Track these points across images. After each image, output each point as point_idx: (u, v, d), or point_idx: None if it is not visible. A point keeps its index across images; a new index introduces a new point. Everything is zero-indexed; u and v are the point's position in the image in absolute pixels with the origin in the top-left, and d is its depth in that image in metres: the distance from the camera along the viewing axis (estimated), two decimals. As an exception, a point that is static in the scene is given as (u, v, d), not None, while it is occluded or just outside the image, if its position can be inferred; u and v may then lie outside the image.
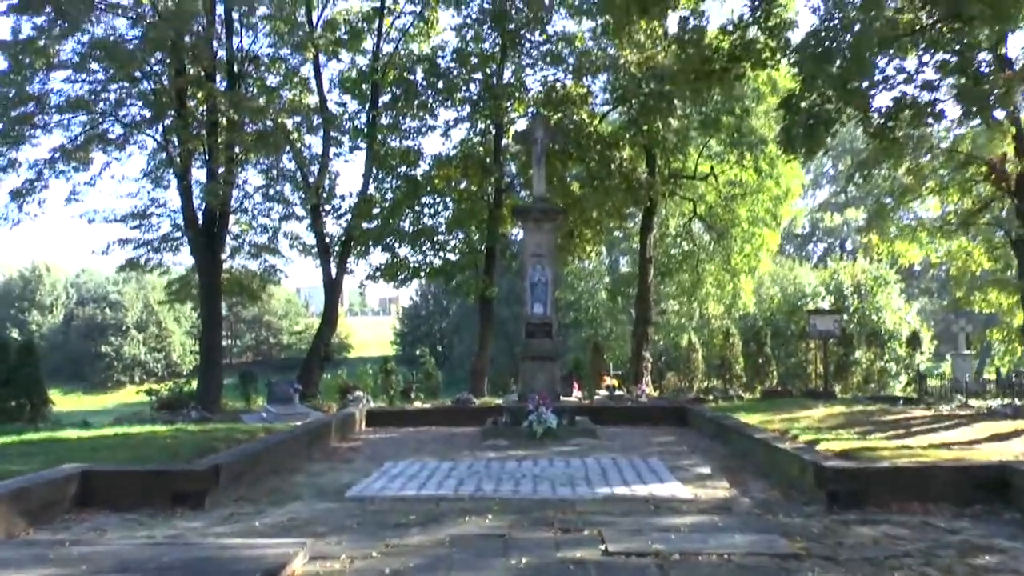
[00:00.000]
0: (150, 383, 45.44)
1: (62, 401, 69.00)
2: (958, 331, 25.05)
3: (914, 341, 27.37)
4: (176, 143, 23.52)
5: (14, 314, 78.52)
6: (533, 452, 12.83)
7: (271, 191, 26.77)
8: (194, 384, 25.05)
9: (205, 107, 23.89)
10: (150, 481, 8.78)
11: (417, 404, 20.88)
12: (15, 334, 75.85)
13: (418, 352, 27.21)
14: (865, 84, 13.85)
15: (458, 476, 10.44)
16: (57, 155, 23.30)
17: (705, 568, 6.13)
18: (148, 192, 26.03)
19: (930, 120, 14.65)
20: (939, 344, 38.82)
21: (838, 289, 38.84)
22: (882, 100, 26.59)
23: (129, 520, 8.13)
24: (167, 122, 23.39)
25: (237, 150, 24.25)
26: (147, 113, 23.79)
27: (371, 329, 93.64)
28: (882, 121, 14.11)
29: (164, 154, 24.34)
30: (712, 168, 27.83)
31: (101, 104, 23.47)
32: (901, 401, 21.70)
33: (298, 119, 25.89)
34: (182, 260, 27.59)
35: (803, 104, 14.98)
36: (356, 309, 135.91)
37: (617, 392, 22.37)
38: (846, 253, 63.79)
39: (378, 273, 26.90)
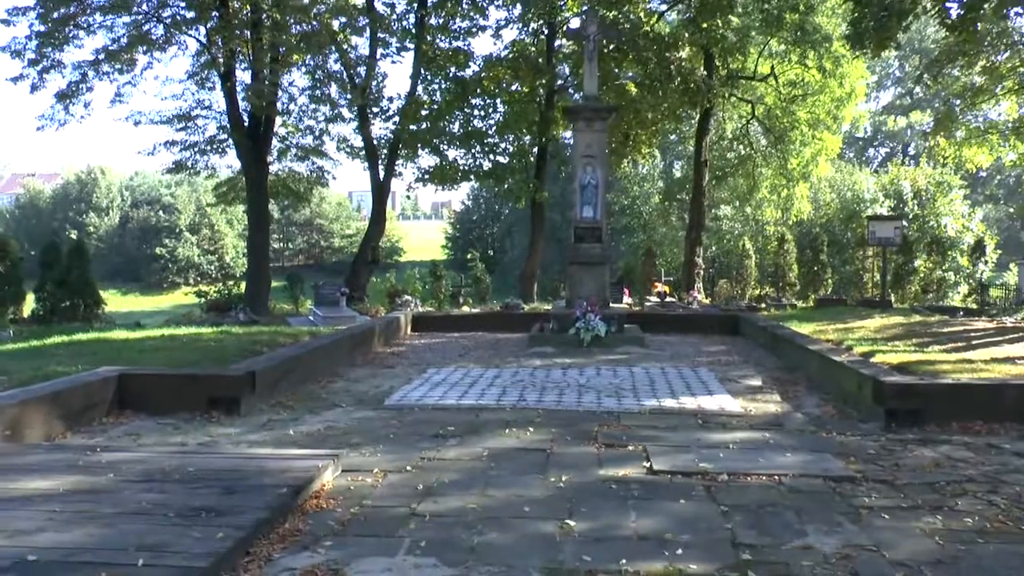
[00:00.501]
0: (204, 284, 46.12)
1: (120, 302, 70.83)
2: (1026, 240, 24.01)
3: (977, 249, 26.40)
4: (220, 44, 23.02)
5: (72, 216, 79.56)
6: (580, 360, 12.53)
7: (317, 92, 26.28)
8: (243, 286, 25.09)
9: (249, 7, 23.29)
10: (186, 385, 8.64)
11: (465, 309, 20.69)
12: (74, 235, 77.38)
13: (468, 257, 26.91)
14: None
15: (501, 384, 10.18)
16: (101, 56, 22.97)
17: (754, 491, 5.78)
18: (193, 94, 25.76)
19: (1018, 10, 13.62)
20: (1003, 253, 37.61)
21: (898, 194, 37.57)
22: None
23: (164, 424, 8.01)
24: (210, 23, 22.88)
25: (282, 51, 23.72)
26: (189, 14, 23.28)
27: (423, 233, 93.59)
28: (962, 12, 13.14)
29: (208, 55, 23.89)
30: (773, 68, 26.73)
31: (144, 4, 23.00)
32: (962, 312, 21.00)
33: (343, 20, 25.14)
34: (230, 162, 27.47)
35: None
36: (408, 213, 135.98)
37: (668, 299, 22.00)
38: (908, 158, 61.89)
39: (427, 176, 26.44)
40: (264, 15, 22.33)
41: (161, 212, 78.90)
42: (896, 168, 40.55)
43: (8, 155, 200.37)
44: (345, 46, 25.86)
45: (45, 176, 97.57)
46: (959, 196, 37.59)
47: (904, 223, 23.96)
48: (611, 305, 15.71)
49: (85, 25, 22.89)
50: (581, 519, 5.13)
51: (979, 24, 13.74)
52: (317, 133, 27.11)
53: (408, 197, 79.50)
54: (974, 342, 13.45)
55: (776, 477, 6.06)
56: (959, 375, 9.04)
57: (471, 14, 25.93)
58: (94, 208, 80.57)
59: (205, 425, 8.04)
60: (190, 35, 23.81)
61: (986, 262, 26.73)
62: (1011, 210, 66.04)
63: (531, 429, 7.68)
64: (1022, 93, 22.90)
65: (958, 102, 24.15)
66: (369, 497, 5.60)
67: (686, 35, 24.15)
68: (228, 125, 24.37)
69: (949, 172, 37.91)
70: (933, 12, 14.03)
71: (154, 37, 23.30)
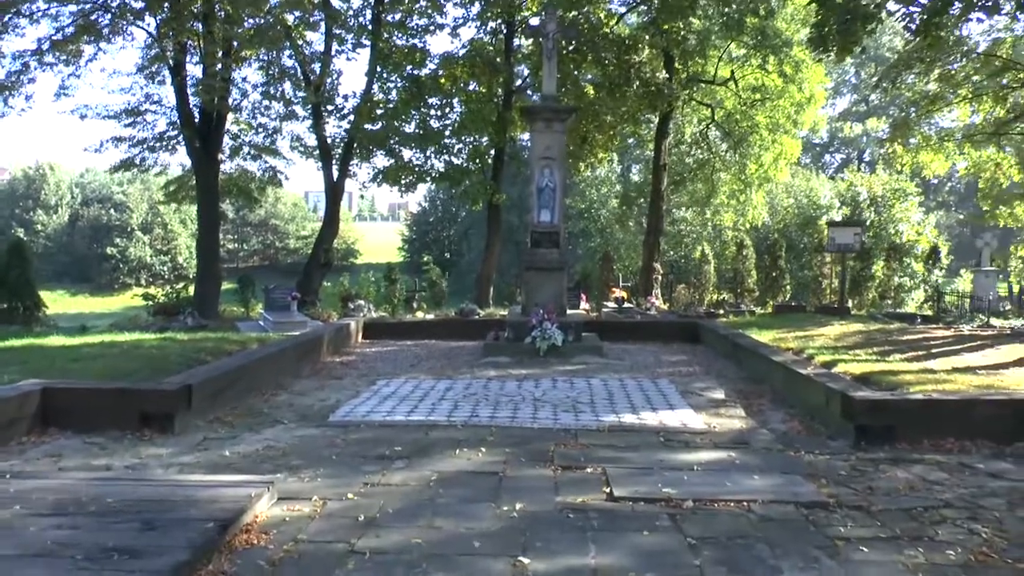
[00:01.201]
0: (156, 286, 45.00)
1: (69, 303, 69.26)
2: (982, 246, 24.07)
3: (932, 256, 26.41)
4: (170, 36, 22.29)
5: (19, 214, 77.68)
6: (535, 371, 12.09)
7: (271, 89, 25.64)
8: (192, 289, 24.37)
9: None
10: (116, 400, 8.05)
11: (419, 314, 20.19)
12: (20, 233, 75.49)
13: (424, 260, 26.39)
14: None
15: (453, 398, 9.71)
16: (45, 46, 22.15)
17: (723, 520, 5.39)
18: (142, 88, 25.00)
19: (980, 17, 13.44)
20: (954, 259, 37.83)
21: (854, 201, 37.61)
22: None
23: (91, 444, 7.45)
24: (160, 14, 22.15)
25: (235, 45, 23.06)
26: (138, 3, 22.54)
27: (379, 235, 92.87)
28: (925, 16, 12.90)
29: (157, 48, 23.15)
30: (732, 72, 26.55)
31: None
32: (919, 319, 20.94)
33: (298, 14, 24.48)
34: (182, 160, 26.71)
35: (838, -1, 13.75)
36: (365, 214, 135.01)
37: (626, 305, 21.67)
38: (864, 164, 62.31)
39: (381, 177, 25.86)
40: (216, 7, 21.63)
41: (112, 210, 77.37)
42: (853, 174, 40.62)
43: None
44: (300, 42, 25.25)
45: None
46: (914, 203, 37.76)
47: (862, 229, 23.82)
48: (568, 312, 15.32)
49: (28, 13, 22.04)
50: (536, 555, 4.70)
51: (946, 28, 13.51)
52: (270, 131, 26.51)
53: (362, 197, 78.89)
54: (934, 350, 13.30)
55: (745, 503, 5.68)
56: (925, 387, 8.74)
57: (428, 11, 25.41)
58: (42, 206, 78.75)
59: (136, 444, 7.48)
60: (139, 26, 23.09)
61: (941, 269, 26.76)
62: (961, 216, 66.93)
63: (483, 449, 7.23)
64: (975, 101, 22.98)
65: (914, 109, 24.18)
66: (305, 531, 5.10)
67: (646, 37, 23.86)
68: (178, 121, 23.65)
69: (905, 179, 38.09)
70: (898, 16, 13.79)
71: (101, 26, 22.51)
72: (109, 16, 22.40)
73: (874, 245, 28.85)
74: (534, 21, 22.59)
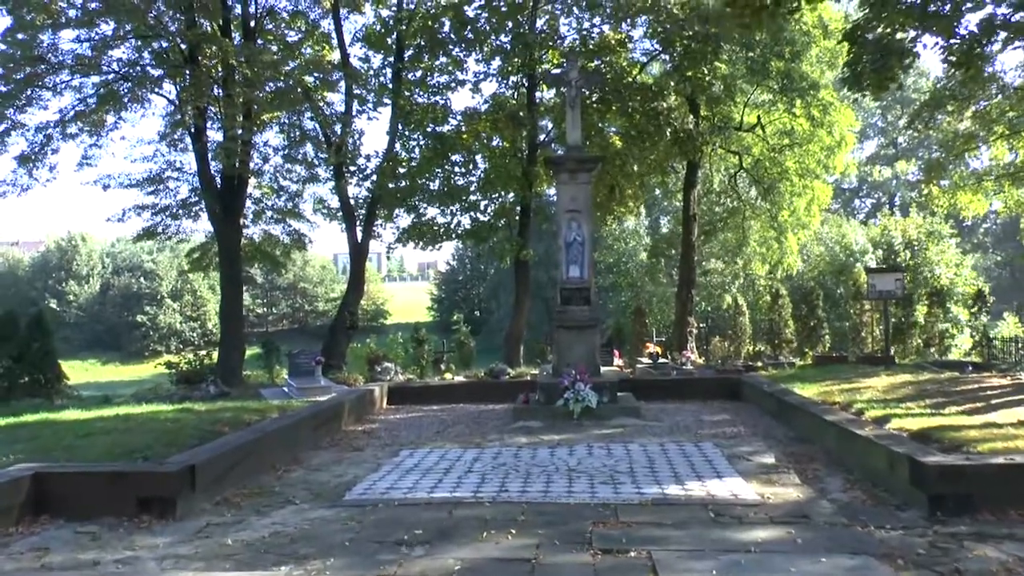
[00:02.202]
0: (185, 352, 44.72)
1: (100, 372, 69.36)
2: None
3: (979, 300, 25.39)
4: (189, 101, 22.15)
5: (52, 284, 78.33)
6: (569, 436, 11.32)
7: (292, 152, 25.43)
8: (216, 356, 23.91)
9: (220, 65, 22.46)
10: (112, 484, 7.42)
11: (448, 376, 19.53)
12: (53, 304, 76.01)
13: (452, 319, 25.80)
14: (948, 6, 12.03)
15: (480, 470, 8.99)
16: (69, 117, 22.11)
17: (793, 617, 4.62)
18: (163, 156, 24.95)
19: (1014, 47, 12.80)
20: (995, 302, 36.73)
21: (889, 245, 36.72)
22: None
23: (82, 534, 6.80)
24: (180, 80, 22.03)
25: (256, 109, 22.86)
26: (157, 71, 22.47)
27: (409, 295, 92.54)
28: (966, 47, 12.24)
29: (178, 115, 23.01)
30: (759, 118, 25.96)
31: (113, 64, 22.17)
32: (970, 368, 19.89)
33: (317, 75, 24.26)
34: (205, 226, 26.45)
35: (870, 35, 13.16)
36: (395, 275, 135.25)
37: (661, 360, 20.86)
38: (895, 208, 61.33)
39: (405, 235, 25.38)
40: (235, 72, 21.44)
41: (143, 279, 77.73)
42: (886, 218, 39.76)
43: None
44: (320, 103, 25.02)
45: (29, 244, 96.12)
46: (951, 245, 36.81)
47: (903, 275, 22.92)
48: (602, 370, 14.60)
49: (51, 85, 22.02)
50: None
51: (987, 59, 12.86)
52: (292, 194, 26.25)
53: (388, 258, 78.79)
54: (993, 401, 12.37)
55: (815, 596, 4.91)
56: (994, 444, 7.92)
57: (450, 68, 25.13)
58: (74, 276, 79.29)
59: (131, 533, 6.83)
60: (159, 94, 23.00)
61: (988, 313, 25.72)
62: (999, 258, 65.59)
63: (513, 531, 6.48)
64: (1012, 138, 22.29)
65: (944, 151, 23.53)
66: (305, 643, 4.40)
67: (671, 84, 23.37)
68: (199, 187, 23.42)
69: (939, 221, 37.20)
70: (934, 49, 13.15)
71: (122, 95, 22.43)
72: (129, 85, 22.31)
73: (913, 290, 27.90)
74: (556, 70, 22.26)
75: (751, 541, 6.05)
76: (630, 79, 23.54)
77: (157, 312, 74.86)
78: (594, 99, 23.06)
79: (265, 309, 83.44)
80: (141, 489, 7.31)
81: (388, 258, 73.26)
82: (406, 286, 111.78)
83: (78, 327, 77.36)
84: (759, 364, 22.27)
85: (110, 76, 22.38)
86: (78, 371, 71.96)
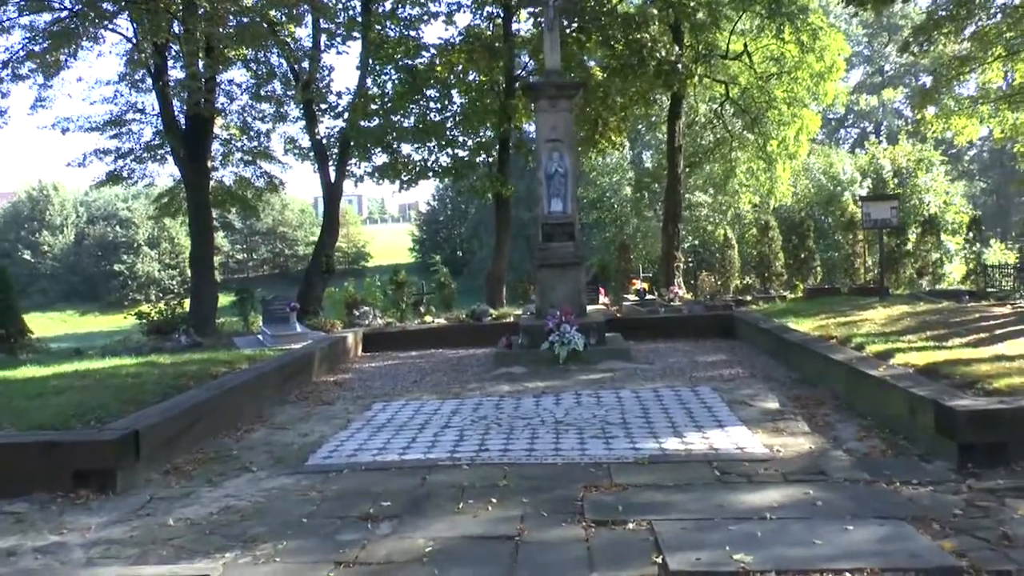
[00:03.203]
0: (165, 301, 43.84)
1: (78, 323, 68.38)
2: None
3: (974, 227, 24.74)
4: (147, 38, 20.90)
5: (24, 235, 76.85)
6: (555, 383, 10.56)
7: (259, 90, 24.22)
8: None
9: (176, -4, 21.18)
10: (44, 456, 6.56)
11: (428, 318, 18.73)
12: (27, 255, 74.67)
13: (429, 260, 24.96)
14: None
15: (459, 424, 8.22)
16: (18, 57, 20.81)
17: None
18: (124, 97, 23.67)
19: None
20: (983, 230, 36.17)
21: (878, 174, 35.96)
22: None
23: (6, 515, 5.99)
24: (137, 17, 20.72)
25: (219, 45, 21.64)
26: (111, 7, 21.14)
27: (391, 237, 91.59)
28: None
29: (138, 54, 21.73)
30: (746, 46, 24.93)
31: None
32: (967, 296, 19.34)
33: (282, 10, 22.95)
34: (172, 171, 25.34)
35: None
36: (376, 216, 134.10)
37: (648, 296, 20.15)
38: (881, 137, 60.45)
39: (380, 174, 24.34)
40: (195, 6, 20.18)
41: (118, 227, 76.35)
42: (874, 147, 38.92)
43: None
44: (287, 39, 23.79)
45: (1, 195, 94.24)
46: (941, 173, 36.09)
47: (899, 202, 22.14)
48: (588, 310, 13.83)
49: (-1, 23, 20.70)
50: None
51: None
52: (262, 134, 25.14)
53: (349, 200, 77.82)
54: (997, 332, 11.68)
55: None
56: (1011, 380, 7.19)
57: (421, 0, 23.93)
58: (47, 226, 77.80)
59: (63, 512, 6.01)
60: (115, 30, 21.69)
61: (983, 241, 25.08)
62: (983, 185, 64.98)
63: (494, 500, 5.70)
64: (1010, 60, 21.49)
65: (937, 75, 22.73)
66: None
67: (654, 12, 22.27)
68: (163, 129, 22.30)
69: (929, 148, 36.46)
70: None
71: (76, 32, 21.11)
72: (83, 22, 20.99)
73: (904, 219, 27.21)
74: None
75: (765, 506, 5.30)
76: (611, 5, 22.46)
77: (135, 261, 73.75)
78: (574, 28, 22.02)
79: (245, 255, 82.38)
80: (77, 460, 6.48)
81: (353, 198, 72.30)
82: (387, 228, 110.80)
83: (54, 278, 76.16)
84: (749, 298, 21.62)
85: (63, 14, 21.06)
86: (56, 323, 71.08)
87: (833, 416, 7.93)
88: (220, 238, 78.44)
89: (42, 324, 70.56)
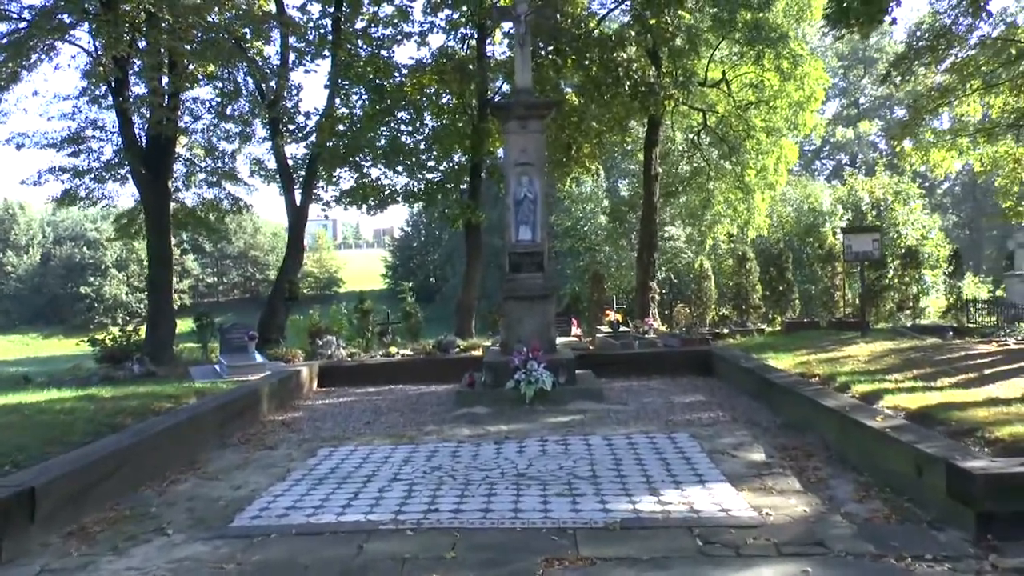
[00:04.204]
0: (120, 327, 42.70)
1: (40, 346, 66.89)
2: (1014, 248, 21.89)
3: (956, 262, 24.24)
4: (107, 52, 20.04)
5: (-13, 255, 75.55)
6: (520, 426, 9.70)
7: (224, 108, 23.38)
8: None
9: (138, 10, 20.33)
10: (-78, 516, 5.67)
11: (393, 349, 17.90)
12: (-10, 275, 73.30)
13: (399, 288, 24.13)
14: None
15: (409, 477, 7.35)
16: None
17: None
18: (83, 113, 22.89)
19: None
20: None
21: (856, 206, 35.54)
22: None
23: None
24: (97, 29, 19.87)
25: (186, 63, 20.87)
26: (68, 18, 20.27)
27: (364, 262, 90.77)
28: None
29: (97, 67, 20.89)
30: (724, 73, 24.41)
31: (24, 12, 19.99)
32: (950, 332, 18.74)
33: (249, 26, 22.18)
34: (133, 191, 24.47)
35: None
36: (350, 242, 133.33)
37: (622, 328, 19.42)
38: (857, 169, 60.39)
39: (348, 197, 23.53)
40: (157, 19, 19.34)
41: (85, 248, 75.11)
42: (852, 177, 38.52)
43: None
44: (255, 56, 23.02)
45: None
46: (919, 206, 35.70)
47: (880, 235, 21.58)
48: (559, 342, 13.03)
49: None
50: None
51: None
52: (227, 155, 24.34)
53: (325, 219, 77.06)
54: (986, 371, 11.03)
55: None
56: (1014, 429, 6.56)
57: (395, 20, 23.22)
58: (12, 246, 76.50)
59: (-66, 585, 5.13)
60: (73, 42, 20.84)
61: (962, 275, 24.56)
62: (955, 219, 65.10)
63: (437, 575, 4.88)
64: (988, 93, 21.17)
65: (916, 106, 22.43)
66: None
67: (632, 34, 21.71)
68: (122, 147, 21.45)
69: (907, 181, 36.13)
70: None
71: (30, 45, 20.24)
72: (40, 34, 20.11)
73: (883, 252, 26.71)
74: (504, 1, 20.51)
75: (756, 589, 4.50)
76: (587, 28, 21.91)
77: (102, 283, 72.53)
78: (549, 51, 21.44)
79: (215, 279, 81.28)
80: (-42, 523, 5.59)
81: (325, 218, 71.39)
82: (361, 253, 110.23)
83: (18, 300, 74.84)
84: (726, 331, 20.97)
85: (21, 24, 20.17)
86: (18, 346, 69.61)
87: (825, 470, 7.14)
88: (190, 261, 77.56)
89: (2, 347, 69.32)
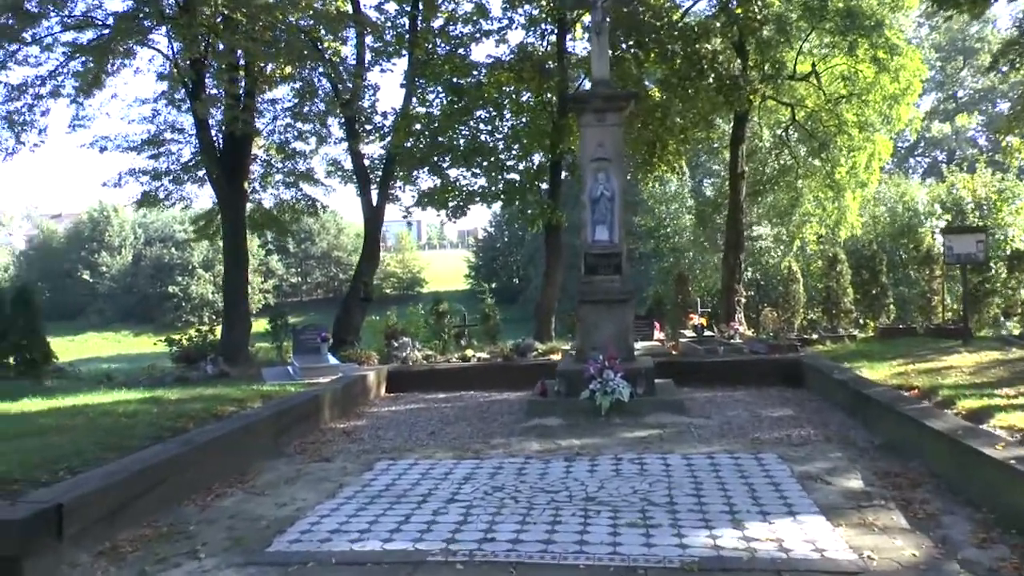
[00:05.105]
0: (196, 327, 43.35)
1: (131, 344, 68.54)
2: None
3: (1066, 264, 22.63)
4: (182, 52, 20.04)
5: (84, 256, 77.97)
6: (593, 440, 9.02)
7: (301, 109, 23.23)
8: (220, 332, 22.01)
9: (214, 10, 20.26)
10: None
11: (468, 352, 17.41)
12: (87, 275, 75.49)
13: (480, 289, 23.69)
14: None
15: (468, 497, 6.76)
16: (63, 73, 20.20)
17: None
18: (162, 116, 23.04)
19: None
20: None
21: (957, 205, 33.84)
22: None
23: None
24: (173, 32, 19.88)
25: (263, 66, 20.79)
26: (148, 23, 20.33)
27: (448, 263, 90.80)
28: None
29: (173, 70, 20.94)
30: (814, 66, 23.29)
31: (107, 17, 20.14)
32: (1066, 341, 17.39)
33: (323, 26, 21.95)
34: (212, 192, 24.55)
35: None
36: (434, 242, 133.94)
37: (706, 332, 18.62)
38: (955, 166, 58.03)
39: (425, 199, 23.12)
40: (231, 20, 19.22)
41: (174, 249, 76.83)
42: (952, 174, 36.68)
43: (34, 197, 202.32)
44: (332, 57, 22.80)
45: (71, 216, 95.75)
46: (1024, 205, 33.84)
47: (986, 236, 20.23)
48: (640, 347, 12.30)
49: (37, 39, 20.08)
50: None
51: None
52: (304, 155, 24.20)
53: (409, 223, 77.48)
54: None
55: None
56: None
57: (473, 17, 22.72)
58: (106, 247, 78.80)
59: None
60: (152, 46, 20.92)
61: (1077, 278, 22.93)
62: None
63: (486, 628, 4.25)
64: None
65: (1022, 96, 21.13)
66: None
67: (717, 25, 20.83)
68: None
69: (1011, 179, 34.30)
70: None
71: (113, 49, 20.36)
72: (120, 38, 20.23)
73: (990, 254, 25.20)
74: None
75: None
76: (669, 19, 21.11)
77: (189, 282, 74.08)
78: (630, 44, 20.69)
79: (299, 279, 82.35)
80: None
81: (409, 223, 71.67)
82: (445, 253, 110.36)
83: (112, 298, 76.99)
84: (815, 337, 19.90)
85: (105, 31, 20.30)
86: (111, 343, 71.54)
87: (935, 503, 6.29)
88: (274, 261, 78.65)
89: (97, 344, 71.35)
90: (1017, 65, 19.53)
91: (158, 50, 21.07)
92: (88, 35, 20.46)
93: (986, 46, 57.00)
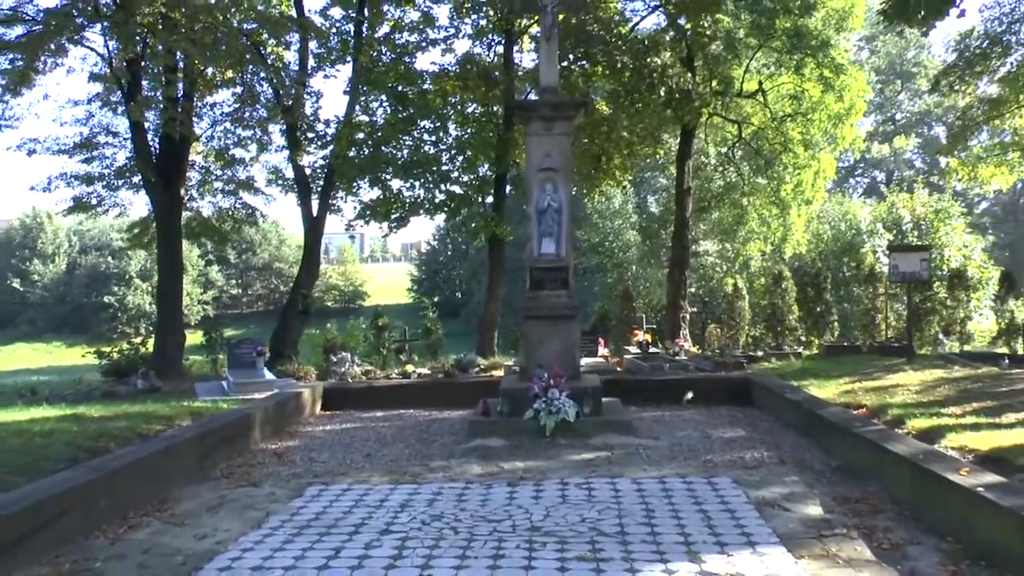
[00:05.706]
0: (128, 339, 42.19)
1: (63, 355, 66.57)
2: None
3: (1006, 283, 22.90)
4: (116, 51, 19.29)
5: (15, 264, 75.54)
6: (538, 463, 8.60)
7: (242, 115, 22.56)
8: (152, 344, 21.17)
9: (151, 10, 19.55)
10: None
11: (408, 368, 16.91)
12: (16, 284, 73.22)
13: (421, 303, 23.24)
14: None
15: (404, 528, 6.27)
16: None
17: None
18: (95, 118, 22.19)
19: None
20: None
21: (897, 224, 34.28)
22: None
23: None
24: (108, 30, 19.13)
25: (204, 69, 20.14)
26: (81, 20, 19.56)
27: (391, 276, 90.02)
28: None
29: (107, 70, 20.16)
30: (761, 84, 23.34)
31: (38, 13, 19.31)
32: (1006, 360, 17.50)
33: (266, 30, 21.36)
34: (147, 199, 23.73)
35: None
36: (377, 255, 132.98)
37: (652, 349, 18.37)
38: (894, 186, 59.06)
39: (368, 211, 22.61)
40: (167, 20, 18.56)
41: (111, 258, 74.88)
42: (893, 194, 37.16)
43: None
44: (275, 63, 22.20)
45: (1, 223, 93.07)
46: (961, 225, 34.33)
47: (930, 255, 20.33)
48: (584, 364, 11.92)
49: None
50: None
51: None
52: (244, 163, 23.53)
53: (351, 237, 76.87)
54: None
55: None
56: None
57: (420, 27, 22.36)
58: (39, 254, 76.53)
59: None
60: (86, 45, 20.11)
61: (1017, 298, 23.18)
62: (992, 240, 63.61)
63: None
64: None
65: (963, 119, 21.52)
66: None
67: (666, 39, 20.71)
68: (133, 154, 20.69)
69: (947, 199, 34.85)
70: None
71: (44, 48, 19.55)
72: (52, 34, 19.42)
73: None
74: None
75: None
76: (618, 32, 20.95)
77: (125, 292, 72.26)
78: (579, 54, 20.50)
79: (240, 290, 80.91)
80: None
81: (351, 237, 71.08)
82: (388, 267, 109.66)
83: (43, 308, 74.80)
84: (760, 354, 19.79)
85: (36, 28, 19.47)
86: (41, 354, 69.36)
87: (899, 532, 5.98)
88: (214, 272, 77.18)
89: (26, 355, 69.16)
90: (956, 88, 19.82)
91: (93, 49, 20.19)
92: (17, 30, 19.61)
93: (922, 70, 58.32)
